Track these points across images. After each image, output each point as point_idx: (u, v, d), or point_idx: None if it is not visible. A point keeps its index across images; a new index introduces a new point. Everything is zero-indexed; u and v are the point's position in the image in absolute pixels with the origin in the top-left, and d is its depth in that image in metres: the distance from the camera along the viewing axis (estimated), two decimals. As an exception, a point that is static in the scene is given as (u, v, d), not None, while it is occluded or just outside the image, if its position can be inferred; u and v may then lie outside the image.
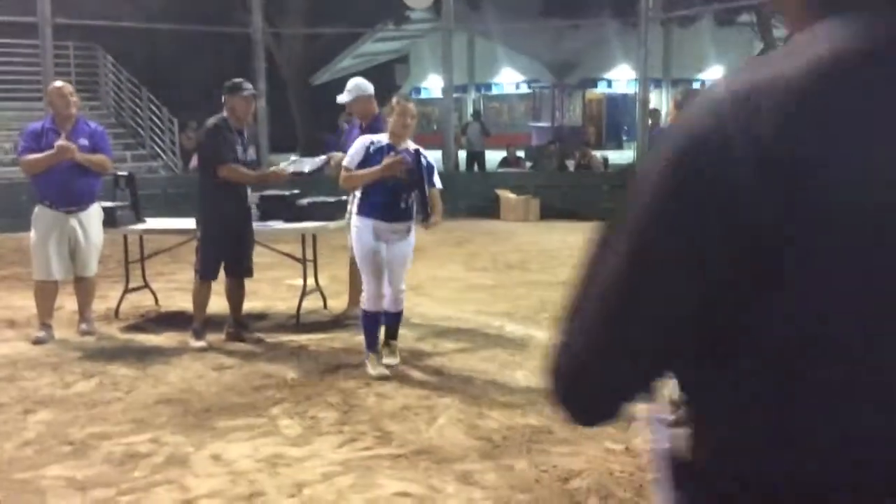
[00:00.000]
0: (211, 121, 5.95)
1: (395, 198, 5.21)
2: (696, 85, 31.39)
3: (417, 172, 5.18)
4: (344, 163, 5.34)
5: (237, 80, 6.01)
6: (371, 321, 5.38)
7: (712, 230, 0.87)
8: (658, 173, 0.90)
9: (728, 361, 0.93)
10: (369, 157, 5.20)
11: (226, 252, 6.00)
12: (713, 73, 31.64)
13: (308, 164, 6.33)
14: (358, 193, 5.38)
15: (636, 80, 17.24)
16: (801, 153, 0.84)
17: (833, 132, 0.84)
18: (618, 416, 1.01)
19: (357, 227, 5.30)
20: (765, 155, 0.84)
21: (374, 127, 6.17)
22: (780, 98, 0.85)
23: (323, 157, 6.59)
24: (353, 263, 6.90)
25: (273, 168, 6.11)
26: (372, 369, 5.28)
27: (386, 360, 5.40)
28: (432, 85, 31.74)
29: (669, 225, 0.90)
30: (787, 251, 0.86)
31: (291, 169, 6.18)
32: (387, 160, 5.10)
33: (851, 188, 0.84)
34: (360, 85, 6.49)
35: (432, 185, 5.33)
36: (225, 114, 5.90)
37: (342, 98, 6.64)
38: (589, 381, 0.98)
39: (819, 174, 0.84)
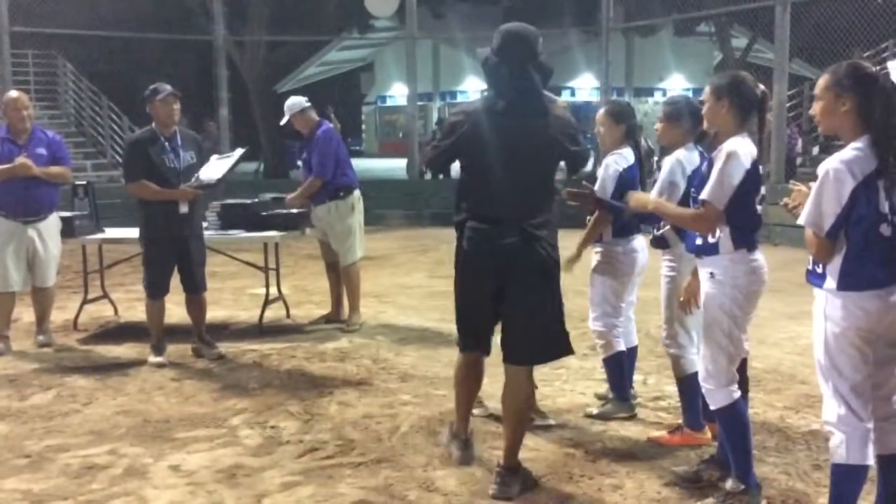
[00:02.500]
0: (131, 136, 5.84)
1: None
2: (657, 95, 31.75)
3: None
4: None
5: (155, 85, 5.85)
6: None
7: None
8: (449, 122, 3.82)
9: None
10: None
11: (167, 267, 5.85)
12: (674, 83, 32.05)
13: (219, 170, 5.91)
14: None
15: (599, 88, 17.39)
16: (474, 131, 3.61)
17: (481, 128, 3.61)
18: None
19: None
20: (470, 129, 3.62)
21: (320, 134, 6.82)
22: (471, 114, 3.67)
23: (239, 151, 6.29)
24: (328, 269, 6.96)
25: (183, 186, 5.70)
26: None
27: None
28: (398, 93, 31.77)
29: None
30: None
31: (195, 183, 5.75)
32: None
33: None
34: (291, 105, 6.94)
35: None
36: (153, 124, 5.79)
37: (283, 121, 7.08)
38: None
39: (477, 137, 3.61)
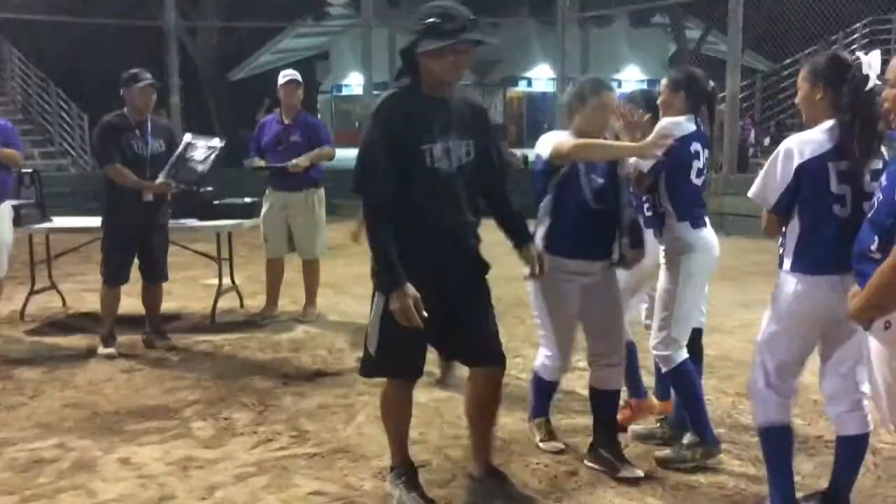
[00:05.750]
0: (104, 118, 5.73)
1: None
2: (613, 85, 31.86)
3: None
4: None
5: (134, 70, 5.72)
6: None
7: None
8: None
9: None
10: None
11: (129, 255, 5.77)
12: (629, 73, 32.27)
13: (199, 167, 5.79)
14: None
15: (555, 78, 17.45)
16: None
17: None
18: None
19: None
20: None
21: (305, 115, 6.74)
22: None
23: (216, 141, 6.10)
24: (273, 264, 6.81)
25: (159, 181, 5.60)
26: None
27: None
28: (353, 82, 31.55)
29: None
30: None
31: (176, 180, 5.67)
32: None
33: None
34: (295, 74, 6.77)
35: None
36: (125, 109, 5.69)
37: (284, 81, 6.66)
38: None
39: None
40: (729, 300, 6.97)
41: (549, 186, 3.61)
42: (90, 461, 3.91)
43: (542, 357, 3.91)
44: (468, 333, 3.34)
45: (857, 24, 15.38)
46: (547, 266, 3.47)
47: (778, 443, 3.17)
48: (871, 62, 2.90)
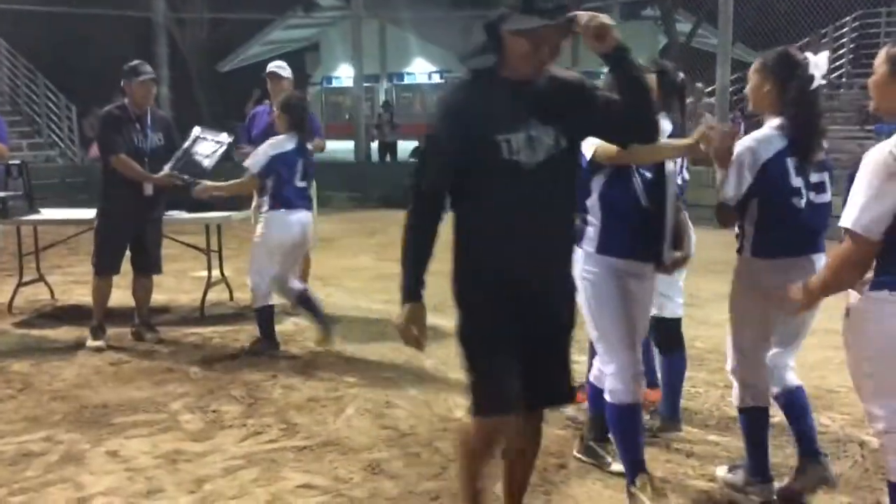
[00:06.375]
0: (106, 108, 5.75)
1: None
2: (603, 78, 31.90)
3: None
4: None
5: (135, 63, 5.74)
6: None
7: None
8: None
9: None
10: None
11: (122, 247, 5.76)
12: (620, 66, 32.31)
13: (206, 160, 5.75)
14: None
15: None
16: None
17: None
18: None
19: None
20: None
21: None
22: None
23: (224, 136, 6.07)
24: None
25: (163, 173, 5.58)
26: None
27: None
28: (344, 74, 31.46)
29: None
30: None
31: (182, 172, 5.62)
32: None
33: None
34: (285, 66, 6.77)
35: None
36: (125, 100, 5.69)
37: (273, 70, 6.69)
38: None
39: None
40: (715, 292, 6.97)
41: (595, 185, 3.32)
42: (78, 454, 3.89)
43: (609, 382, 3.34)
44: (541, 372, 2.70)
45: (847, 18, 15.42)
46: (601, 269, 3.25)
47: (754, 422, 3.40)
48: (818, 63, 3.13)
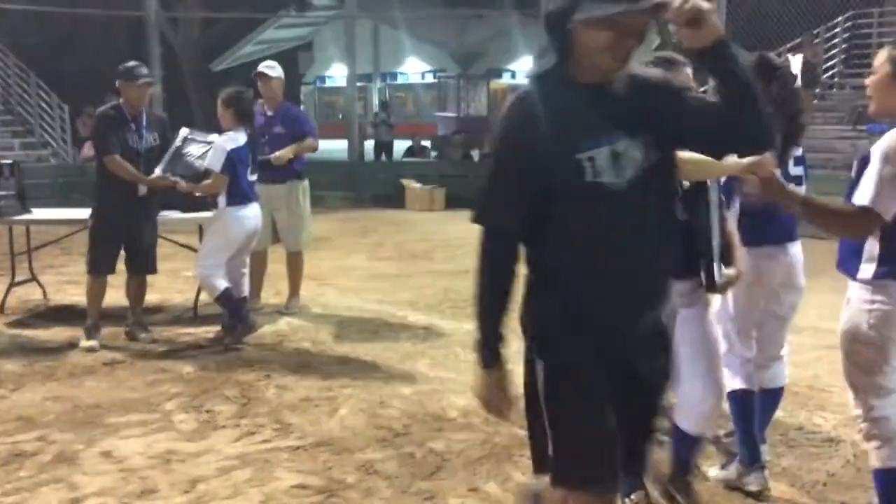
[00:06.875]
0: (101, 109, 5.76)
1: None
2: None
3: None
4: None
5: (131, 64, 5.72)
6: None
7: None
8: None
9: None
10: None
11: (117, 247, 5.74)
12: (613, 66, 32.35)
13: (198, 161, 5.72)
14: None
15: (538, 70, 17.43)
16: None
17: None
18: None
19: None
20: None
21: (289, 106, 6.80)
22: None
23: (213, 137, 5.94)
24: (254, 256, 6.74)
25: (155, 175, 5.61)
26: None
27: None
28: (337, 73, 31.43)
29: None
30: None
31: (177, 174, 5.67)
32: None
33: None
34: (276, 66, 6.75)
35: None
36: (120, 100, 5.69)
37: (264, 70, 6.65)
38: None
39: None
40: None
41: None
42: (71, 454, 3.89)
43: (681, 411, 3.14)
44: (625, 437, 2.23)
45: (840, 18, 15.47)
46: None
47: (742, 405, 3.46)
48: (796, 64, 3.26)
